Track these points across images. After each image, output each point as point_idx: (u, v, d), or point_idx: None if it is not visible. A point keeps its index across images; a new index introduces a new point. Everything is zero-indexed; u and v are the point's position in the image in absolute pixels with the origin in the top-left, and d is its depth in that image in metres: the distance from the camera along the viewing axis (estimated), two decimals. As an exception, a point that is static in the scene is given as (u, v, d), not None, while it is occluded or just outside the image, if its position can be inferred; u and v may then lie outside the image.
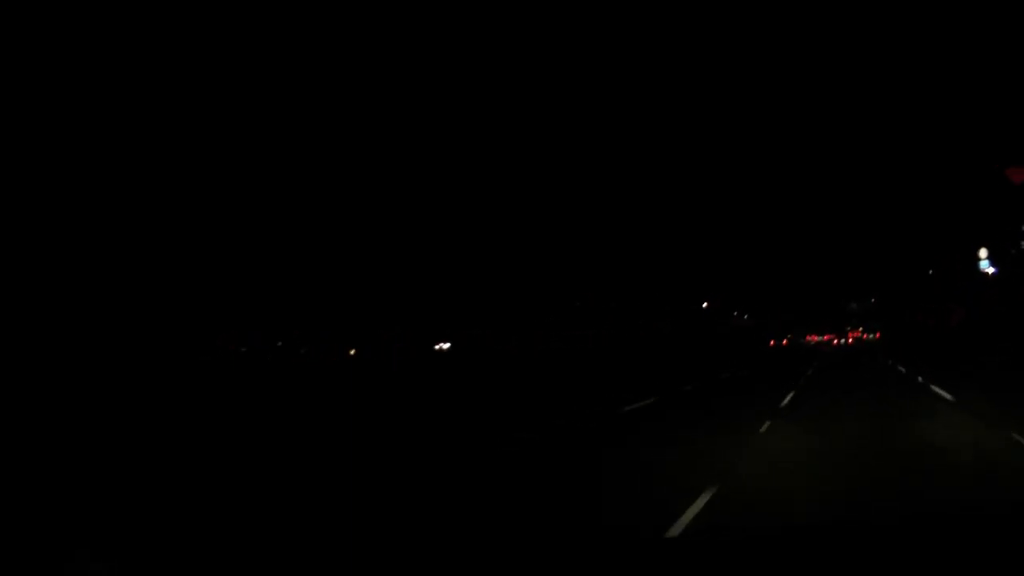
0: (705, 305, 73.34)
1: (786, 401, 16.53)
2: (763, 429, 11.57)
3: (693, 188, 69.02)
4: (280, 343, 39.46)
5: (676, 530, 5.87)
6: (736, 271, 77.53)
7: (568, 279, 55.78)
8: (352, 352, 41.59)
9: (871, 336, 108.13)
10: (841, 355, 53.65)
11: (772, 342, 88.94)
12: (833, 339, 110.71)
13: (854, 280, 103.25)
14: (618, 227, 57.68)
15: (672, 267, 64.46)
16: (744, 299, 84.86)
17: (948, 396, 15.50)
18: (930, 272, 62.82)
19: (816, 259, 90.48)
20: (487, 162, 47.50)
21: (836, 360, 44.52)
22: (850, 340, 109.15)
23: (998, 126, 39.04)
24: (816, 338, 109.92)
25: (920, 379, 21.38)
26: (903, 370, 27.07)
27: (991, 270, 48.01)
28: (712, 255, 69.74)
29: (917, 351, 43.32)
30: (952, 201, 50.38)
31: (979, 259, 49.19)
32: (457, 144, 46.57)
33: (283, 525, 6.83)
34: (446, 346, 44.92)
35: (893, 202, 68.45)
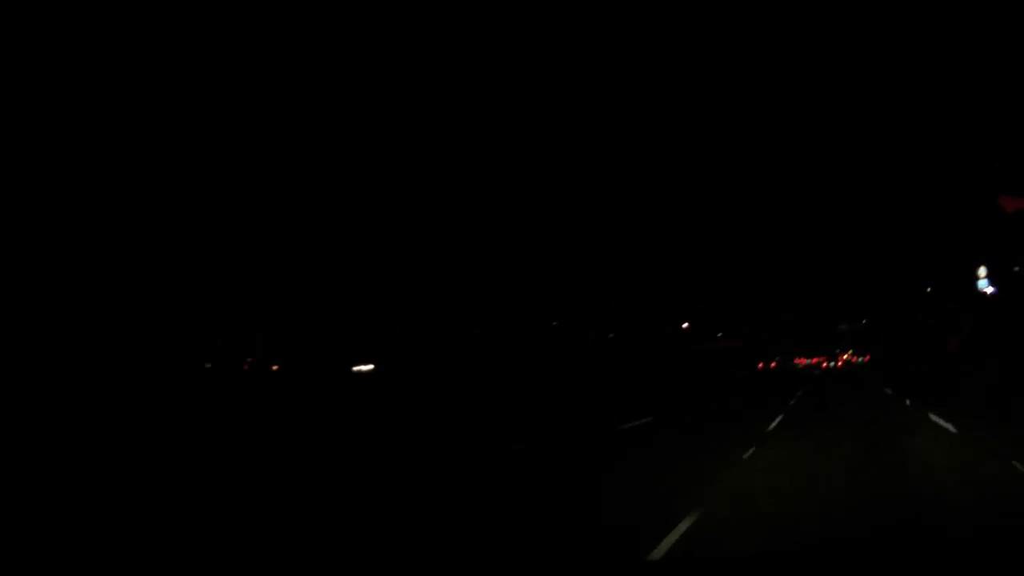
0: (686, 326, 71.53)
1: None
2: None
3: (687, 197, 68.79)
4: (250, 358, 38.49)
5: None
6: (723, 287, 76.94)
7: (568, 279, 55.74)
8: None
9: (860, 359, 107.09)
10: (834, 382, 49.03)
11: (761, 364, 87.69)
12: (823, 362, 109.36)
13: (845, 301, 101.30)
14: (617, 228, 57.66)
15: (670, 271, 64.38)
16: (730, 318, 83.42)
17: None
18: (928, 289, 62.07)
19: (805, 279, 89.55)
20: (485, 163, 47.43)
21: (830, 388, 38.79)
22: (839, 363, 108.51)
23: (992, 145, 38.76)
24: (804, 361, 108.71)
25: (943, 423, 16.21)
26: (938, 420, 16.91)
27: (990, 290, 47.23)
28: (703, 266, 69.40)
29: (924, 378, 36.63)
30: (946, 220, 50.04)
31: (978, 278, 48.39)
32: (456, 145, 46.49)
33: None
34: (367, 368, 39.42)
35: (884, 221, 68.11)
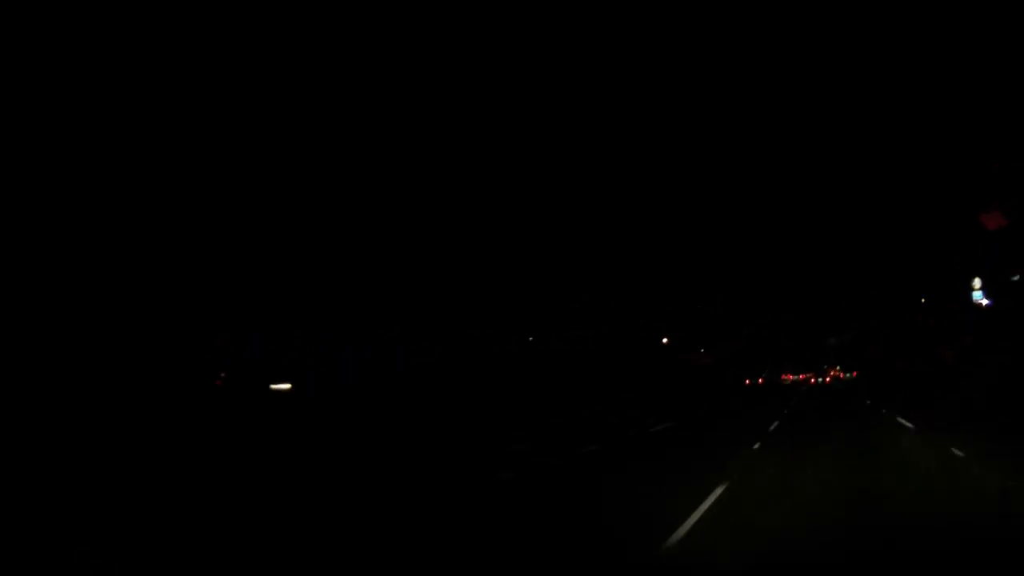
0: (665, 341, 69.14)
1: None
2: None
3: (685, 199, 68.23)
4: (224, 374, 35.91)
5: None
6: (704, 299, 75.48)
7: (568, 279, 55.62)
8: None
9: (848, 375, 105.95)
10: (825, 399, 42.94)
11: (748, 381, 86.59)
12: (811, 378, 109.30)
13: (832, 313, 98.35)
14: (616, 229, 57.51)
15: (669, 272, 64.02)
16: (730, 318, 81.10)
17: None
18: (922, 300, 60.65)
19: (794, 291, 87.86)
20: (484, 163, 47.33)
21: (822, 407, 32.06)
22: (828, 379, 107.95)
23: (982, 154, 38.35)
24: (791, 377, 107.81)
25: None
26: None
27: (985, 301, 46.00)
28: (696, 272, 68.44)
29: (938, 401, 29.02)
30: (938, 230, 49.31)
31: (973, 289, 46.81)
32: (454, 145, 46.41)
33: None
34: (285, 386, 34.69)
35: (873, 232, 67.25)
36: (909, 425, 16.97)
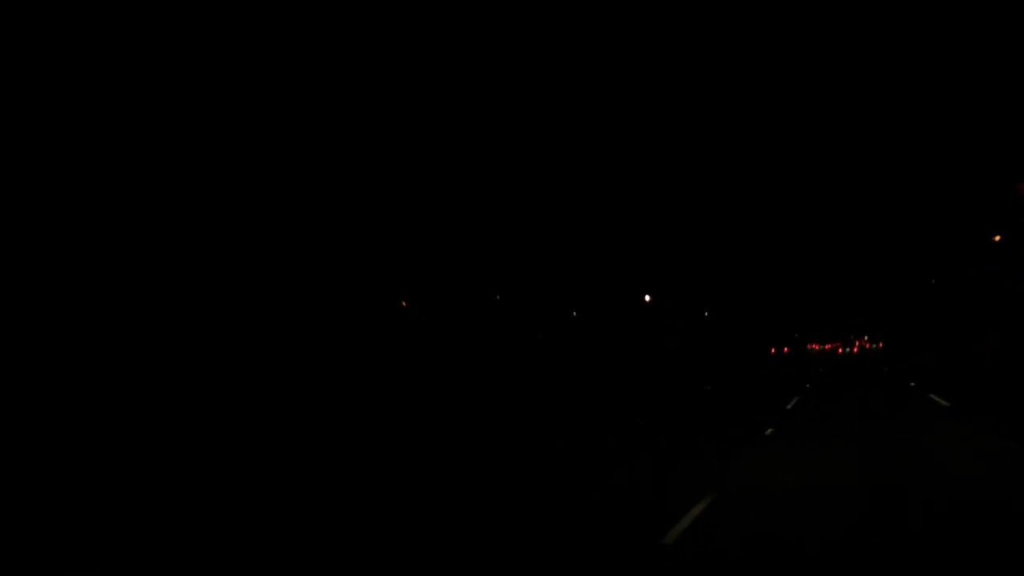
0: (648, 298, 61.49)
1: None
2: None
3: (692, 183, 66.16)
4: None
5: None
6: (721, 266, 72.30)
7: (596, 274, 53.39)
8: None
9: (874, 346, 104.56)
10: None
11: (773, 350, 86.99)
12: (838, 347, 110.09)
13: (860, 281, 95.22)
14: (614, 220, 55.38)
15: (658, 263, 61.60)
16: (740, 300, 77.52)
17: None
18: (994, 249, 55.77)
19: (818, 263, 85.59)
20: (482, 160, 45.32)
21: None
22: (855, 350, 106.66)
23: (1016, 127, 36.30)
24: (818, 347, 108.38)
25: None
26: None
27: None
28: (700, 250, 65.93)
29: None
30: (970, 197, 46.90)
31: None
32: (435, 136, 44.48)
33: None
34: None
35: (901, 198, 64.96)
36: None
